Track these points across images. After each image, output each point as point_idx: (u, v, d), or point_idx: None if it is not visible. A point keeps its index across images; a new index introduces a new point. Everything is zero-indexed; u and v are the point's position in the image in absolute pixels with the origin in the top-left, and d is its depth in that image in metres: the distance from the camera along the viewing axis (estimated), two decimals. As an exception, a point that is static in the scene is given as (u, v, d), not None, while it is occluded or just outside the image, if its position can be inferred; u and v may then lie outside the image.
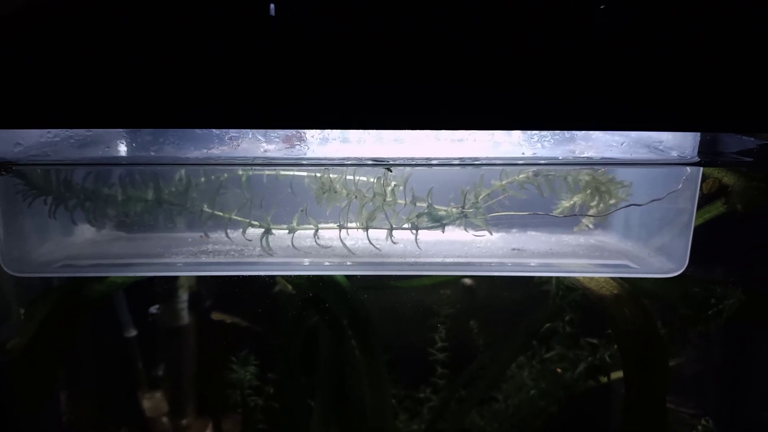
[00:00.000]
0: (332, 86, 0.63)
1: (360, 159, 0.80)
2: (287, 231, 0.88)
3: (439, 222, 0.86)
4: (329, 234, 0.89)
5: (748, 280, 0.95)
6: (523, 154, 0.80)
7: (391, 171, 0.83)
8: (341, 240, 0.88)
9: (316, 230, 0.88)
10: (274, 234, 0.88)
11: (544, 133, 0.79)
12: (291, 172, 0.88)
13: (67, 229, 0.93)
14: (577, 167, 0.86)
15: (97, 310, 1.12)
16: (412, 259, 0.87)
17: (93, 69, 0.62)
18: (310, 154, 0.80)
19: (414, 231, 0.87)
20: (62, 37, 0.62)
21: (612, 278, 0.91)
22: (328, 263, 0.88)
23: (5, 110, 0.64)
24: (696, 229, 0.85)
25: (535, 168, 0.84)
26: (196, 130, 0.78)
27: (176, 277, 1.19)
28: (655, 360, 0.88)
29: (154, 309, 1.20)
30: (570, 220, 0.93)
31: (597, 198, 0.88)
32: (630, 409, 0.92)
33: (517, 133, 0.80)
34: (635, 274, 0.87)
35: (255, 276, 1.04)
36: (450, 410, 1.22)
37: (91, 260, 0.90)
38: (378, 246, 0.87)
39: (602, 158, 0.80)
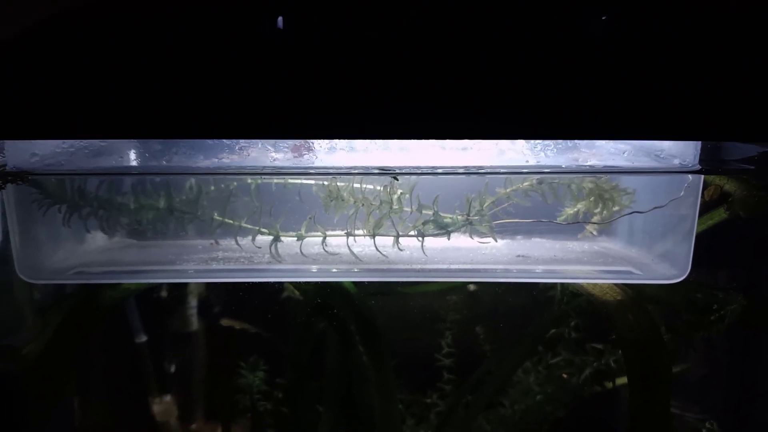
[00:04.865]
0: (340, 98, 0.65)
1: (367, 168, 0.82)
2: (296, 238, 0.90)
3: (444, 229, 0.87)
4: (337, 241, 0.91)
5: (750, 286, 0.96)
6: (527, 162, 0.81)
7: (397, 180, 0.84)
8: (348, 247, 0.89)
9: (324, 237, 0.90)
10: (283, 241, 0.90)
11: (547, 141, 0.80)
12: (299, 180, 0.89)
13: (80, 236, 0.94)
14: (580, 175, 0.87)
15: (108, 315, 1.14)
16: (419, 266, 0.88)
17: (107, 81, 0.64)
18: (317, 163, 0.81)
19: (420, 238, 0.88)
20: (76, 51, 0.64)
21: (616, 284, 0.92)
22: (335, 270, 0.90)
23: (21, 122, 0.66)
24: (698, 236, 0.86)
25: (539, 176, 0.85)
26: (207, 140, 0.80)
27: (186, 284, 1.21)
28: (658, 365, 0.89)
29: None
30: (574, 227, 0.94)
31: (600, 205, 0.90)
32: (635, 414, 0.92)
33: (521, 142, 0.81)
34: (638, 281, 0.88)
35: (263, 282, 1.06)
36: (457, 415, 1.22)
37: (104, 267, 0.92)
38: (385, 253, 0.89)
39: (605, 166, 0.81)
